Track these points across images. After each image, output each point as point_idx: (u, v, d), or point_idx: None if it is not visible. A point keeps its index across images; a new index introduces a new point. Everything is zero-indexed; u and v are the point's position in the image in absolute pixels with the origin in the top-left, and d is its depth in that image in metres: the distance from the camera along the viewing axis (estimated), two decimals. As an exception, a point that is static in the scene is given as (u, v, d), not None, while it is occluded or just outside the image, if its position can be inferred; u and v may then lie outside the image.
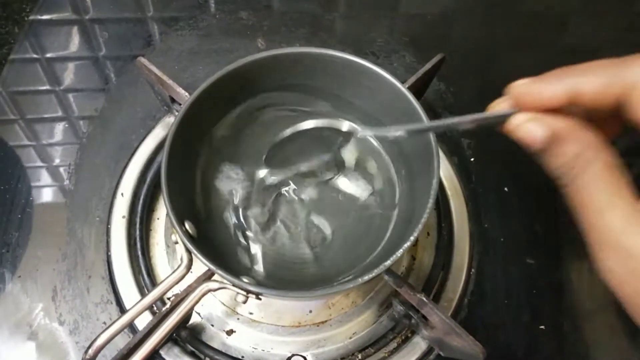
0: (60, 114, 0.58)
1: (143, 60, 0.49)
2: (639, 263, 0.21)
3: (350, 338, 0.46)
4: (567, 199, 0.25)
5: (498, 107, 0.28)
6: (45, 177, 0.53)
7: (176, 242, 0.39)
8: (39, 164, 0.54)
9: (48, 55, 0.63)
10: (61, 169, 0.54)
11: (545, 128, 0.25)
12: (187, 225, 0.39)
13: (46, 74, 0.61)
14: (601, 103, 0.24)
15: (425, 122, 0.40)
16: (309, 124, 0.43)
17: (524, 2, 0.72)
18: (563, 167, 0.25)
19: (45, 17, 0.66)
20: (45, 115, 0.58)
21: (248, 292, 0.37)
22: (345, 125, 0.43)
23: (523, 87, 0.26)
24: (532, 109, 0.26)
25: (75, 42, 0.64)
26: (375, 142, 0.49)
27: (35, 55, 0.62)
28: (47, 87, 0.60)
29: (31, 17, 0.66)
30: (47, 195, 0.52)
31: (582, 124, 0.25)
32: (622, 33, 0.70)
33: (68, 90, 0.60)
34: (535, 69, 0.68)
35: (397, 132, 0.36)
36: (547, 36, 0.68)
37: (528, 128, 0.26)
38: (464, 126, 0.31)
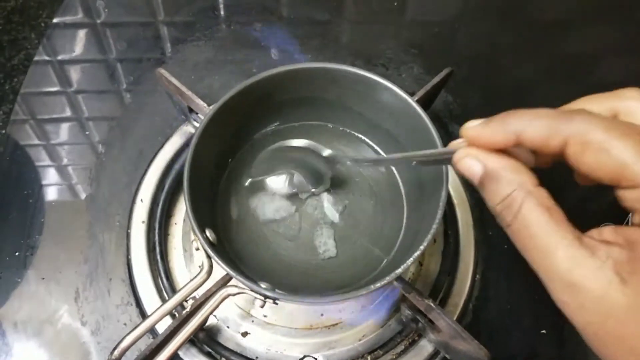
0: (79, 118, 0.60)
1: (163, 71, 0.51)
2: (585, 298, 0.23)
3: (360, 340, 0.48)
4: (511, 239, 0.26)
5: (454, 144, 0.30)
6: (66, 183, 0.55)
7: (197, 249, 0.41)
8: (60, 169, 0.56)
9: (64, 59, 0.64)
10: (82, 175, 0.55)
11: (480, 165, 0.27)
12: (207, 233, 0.41)
13: (61, 78, 0.63)
14: (543, 149, 0.25)
15: (384, 155, 0.49)
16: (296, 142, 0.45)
17: (526, 11, 0.73)
18: (497, 207, 0.26)
19: (62, 21, 0.67)
20: (66, 122, 0.59)
21: (266, 297, 0.39)
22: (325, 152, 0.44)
23: (473, 130, 0.28)
24: (479, 148, 0.27)
25: (92, 49, 0.66)
26: (383, 154, 0.51)
27: (49, 58, 0.64)
28: (66, 90, 0.62)
29: (48, 22, 0.68)
30: (68, 200, 0.54)
31: (517, 165, 0.26)
32: (624, 40, 0.71)
33: (85, 94, 0.62)
34: (540, 78, 0.69)
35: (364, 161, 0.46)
36: (551, 44, 0.70)
37: (467, 162, 0.28)
38: (419, 159, 0.36)
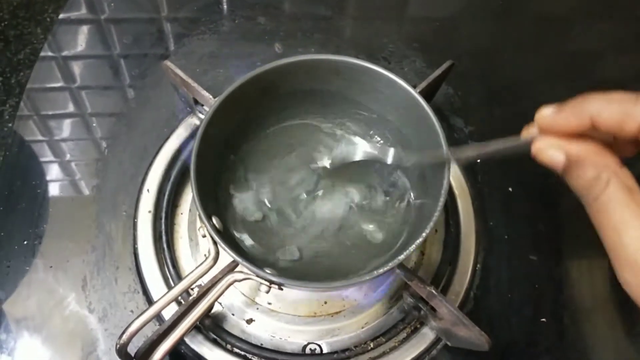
0: (83, 113, 0.60)
1: (169, 63, 0.51)
2: None
3: (363, 328, 0.49)
4: (590, 218, 0.27)
5: (526, 132, 0.30)
6: (72, 175, 0.56)
7: (204, 236, 0.42)
8: (65, 163, 0.57)
9: (69, 55, 0.65)
10: (89, 166, 0.56)
11: (563, 153, 0.27)
12: (214, 220, 0.41)
13: (65, 74, 0.63)
14: (619, 132, 0.26)
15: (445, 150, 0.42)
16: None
17: (529, 7, 0.74)
18: (582, 189, 0.27)
19: (67, 17, 0.68)
20: (73, 117, 0.60)
21: (271, 282, 0.39)
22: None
23: (549, 118, 0.28)
24: (556, 135, 0.28)
25: (97, 44, 0.66)
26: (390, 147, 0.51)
27: (53, 54, 0.65)
28: (70, 86, 0.62)
29: (53, 17, 0.68)
30: (75, 190, 0.55)
31: (599, 148, 0.27)
32: (626, 37, 0.72)
33: (90, 90, 0.62)
34: (540, 72, 0.70)
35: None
36: (552, 40, 0.71)
37: (549, 153, 0.28)
38: (489, 154, 0.33)
